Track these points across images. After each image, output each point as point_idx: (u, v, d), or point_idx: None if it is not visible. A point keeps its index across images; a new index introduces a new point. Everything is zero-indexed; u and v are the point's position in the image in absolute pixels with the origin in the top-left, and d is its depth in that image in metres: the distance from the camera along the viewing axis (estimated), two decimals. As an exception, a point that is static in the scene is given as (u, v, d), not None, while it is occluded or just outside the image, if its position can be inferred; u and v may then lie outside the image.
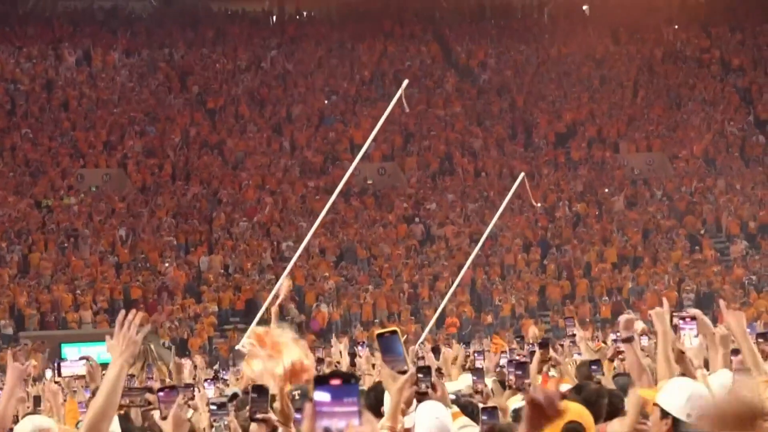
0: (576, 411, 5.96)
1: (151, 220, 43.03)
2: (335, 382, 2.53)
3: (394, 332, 5.45)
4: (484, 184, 46.72)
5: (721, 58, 55.02)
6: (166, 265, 40.49)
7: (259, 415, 7.24)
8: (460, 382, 11.40)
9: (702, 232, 44.93)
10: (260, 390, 7.34)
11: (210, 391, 12.68)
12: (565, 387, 9.59)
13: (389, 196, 45.54)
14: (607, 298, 40.09)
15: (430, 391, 6.82)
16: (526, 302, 40.09)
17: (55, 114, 48.43)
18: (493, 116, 51.08)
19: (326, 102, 51.07)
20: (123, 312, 5.50)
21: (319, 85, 51.68)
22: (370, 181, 45.45)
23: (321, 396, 2.53)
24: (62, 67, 51.20)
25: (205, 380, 15.19)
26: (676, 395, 6.12)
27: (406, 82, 20.48)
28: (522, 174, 28.66)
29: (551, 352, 11.40)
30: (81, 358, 9.26)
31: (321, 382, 2.53)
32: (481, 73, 53.69)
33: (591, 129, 50.54)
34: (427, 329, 27.83)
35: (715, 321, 16.19)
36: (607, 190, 47.09)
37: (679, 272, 41.87)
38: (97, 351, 23.78)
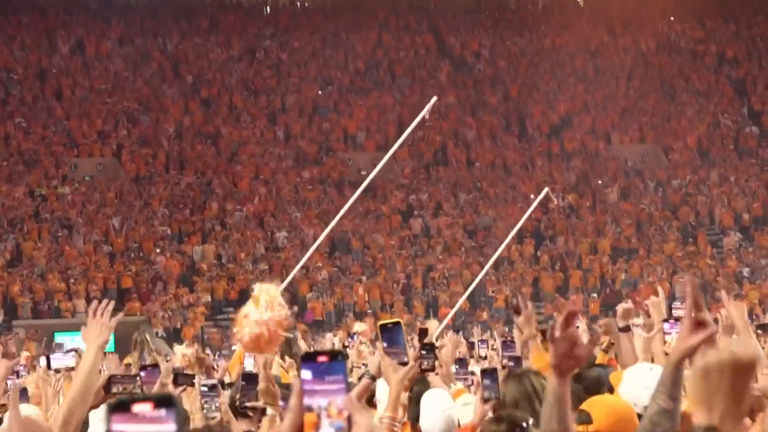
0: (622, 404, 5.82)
1: (145, 209, 42.98)
2: (321, 359, 2.52)
3: (397, 323, 5.50)
4: (478, 174, 46.70)
5: (716, 49, 55.00)
6: (158, 251, 40.46)
7: (248, 404, 7.24)
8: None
9: (692, 222, 44.96)
10: (249, 378, 7.34)
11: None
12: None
13: (383, 187, 45.50)
14: (595, 295, 39.96)
15: (437, 364, 6.80)
16: (519, 293, 40.08)
17: (48, 103, 48.32)
18: (487, 107, 51.05)
19: (320, 92, 51.00)
20: (95, 302, 5.59)
21: (313, 75, 51.60)
22: (363, 172, 45.36)
23: (305, 374, 2.53)
24: (56, 55, 51.08)
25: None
26: (635, 385, 5.99)
27: (434, 99, 20.57)
28: (546, 189, 28.86)
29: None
30: (69, 351, 9.24)
31: (307, 359, 2.53)
32: (475, 63, 53.63)
33: (585, 120, 50.52)
34: (443, 324, 27.72)
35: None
36: (600, 182, 47.09)
37: (673, 264, 41.91)
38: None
